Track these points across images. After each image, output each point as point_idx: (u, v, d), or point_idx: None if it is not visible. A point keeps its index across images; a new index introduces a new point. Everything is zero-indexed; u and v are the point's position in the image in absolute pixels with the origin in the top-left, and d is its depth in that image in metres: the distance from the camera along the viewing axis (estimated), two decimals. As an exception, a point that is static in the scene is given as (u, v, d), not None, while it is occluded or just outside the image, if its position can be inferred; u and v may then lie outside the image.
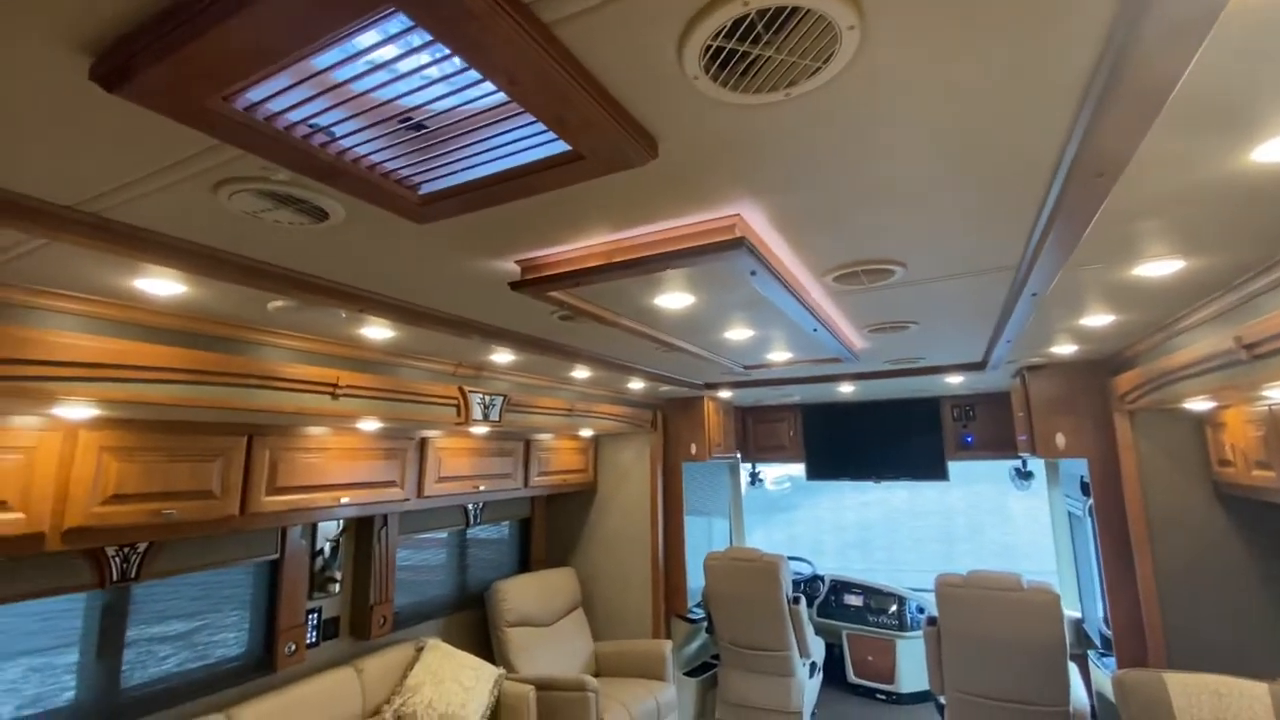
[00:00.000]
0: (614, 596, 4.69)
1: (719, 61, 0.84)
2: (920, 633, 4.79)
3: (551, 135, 1.00)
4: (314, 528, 3.20)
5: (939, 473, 5.17)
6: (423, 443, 3.40)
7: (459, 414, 3.04)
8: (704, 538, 5.36)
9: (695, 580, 4.87)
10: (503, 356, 2.88)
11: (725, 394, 4.71)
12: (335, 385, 2.40)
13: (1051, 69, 0.86)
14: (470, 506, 4.17)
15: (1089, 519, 3.81)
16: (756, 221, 1.35)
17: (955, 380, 4.05)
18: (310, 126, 0.99)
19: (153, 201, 1.21)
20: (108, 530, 2.11)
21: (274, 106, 0.93)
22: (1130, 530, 3.20)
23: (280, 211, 1.26)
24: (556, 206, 1.28)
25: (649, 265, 1.45)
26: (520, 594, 4.09)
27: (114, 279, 1.61)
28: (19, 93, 0.86)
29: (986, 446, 5.02)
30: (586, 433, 4.53)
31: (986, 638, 3.45)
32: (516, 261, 1.62)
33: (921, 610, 5.00)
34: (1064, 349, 3.15)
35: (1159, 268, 1.77)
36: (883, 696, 4.88)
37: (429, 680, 3.23)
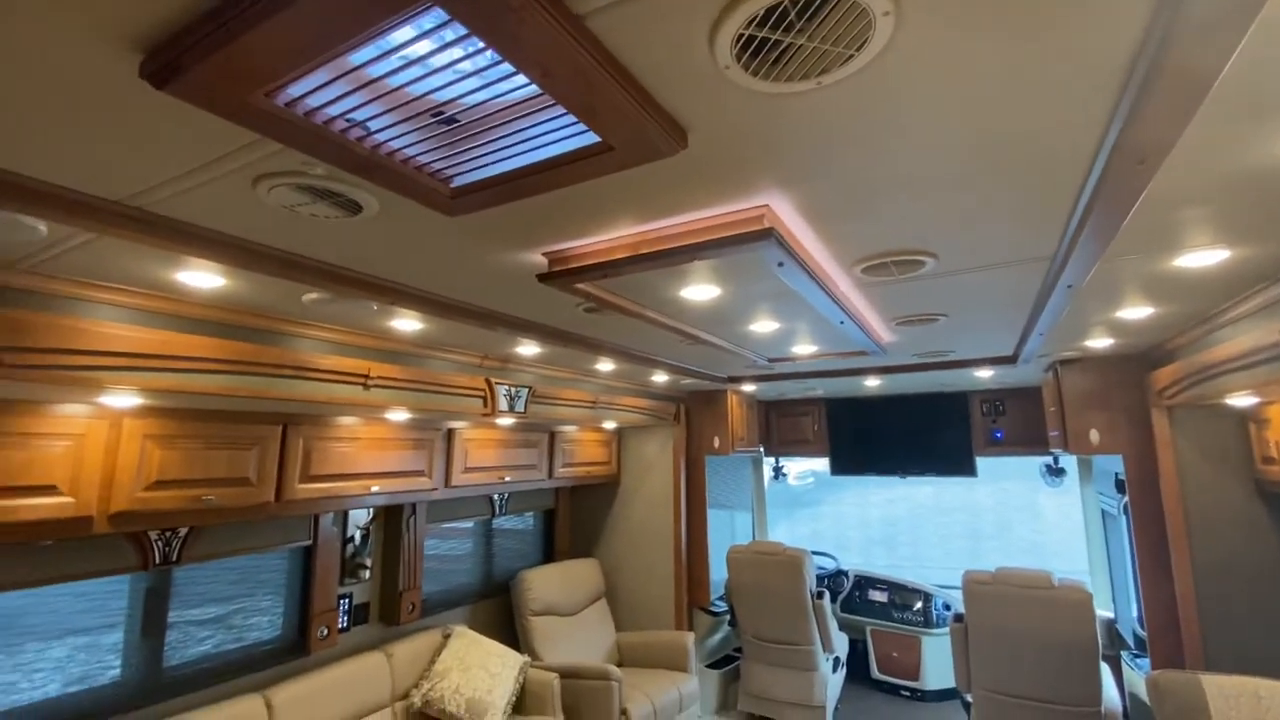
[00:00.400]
0: (637, 588, 4.72)
1: (750, 50, 0.84)
2: (946, 630, 4.74)
3: (581, 127, 1.01)
4: (345, 515, 3.28)
5: (967, 468, 5.09)
6: (450, 433, 3.45)
7: (485, 405, 3.09)
8: (726, 531, 5.36)
9: (717, 573, 4.88)
10: (528, 349, 2.91)
11: (748, 387, 4.69)
12: (366, 376, 2.45)
13: (1092, 53, 0.84)
14: (496, 497, 4.23)
15: (1123, 517, 3.72)
16: (785, 212, 1.35)
17: (985, 374, 3.97)
18: (347, 121, 1.01)
19: (195, 196, 1.25)
20: (151, 515, 2.19)
21: (313, 102, 0.96)
22: (1167, 528, 3.12)
23: (317, 205, 1.29)
24: (584, 198, 1.29)
25: (676, 257, 1.45)
26: (545, 583, 4.14)
27: (157, 272, 1.67)
28: (72, 90, 0.89)
29: (1016, 442, 4.93)
30: (610, 425, 4.56)
31: (1015, 636, 3.40)
32: (544, 254, 1.64)
33: (948, 607, 4.94)
34: (1099, 342, 3.08)
35: (1202, 258, 1.71)
36: (907, 693, 4.84)
37: (456, 666, 3.29)
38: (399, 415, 2.90)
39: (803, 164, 1.15)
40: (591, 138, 1.03)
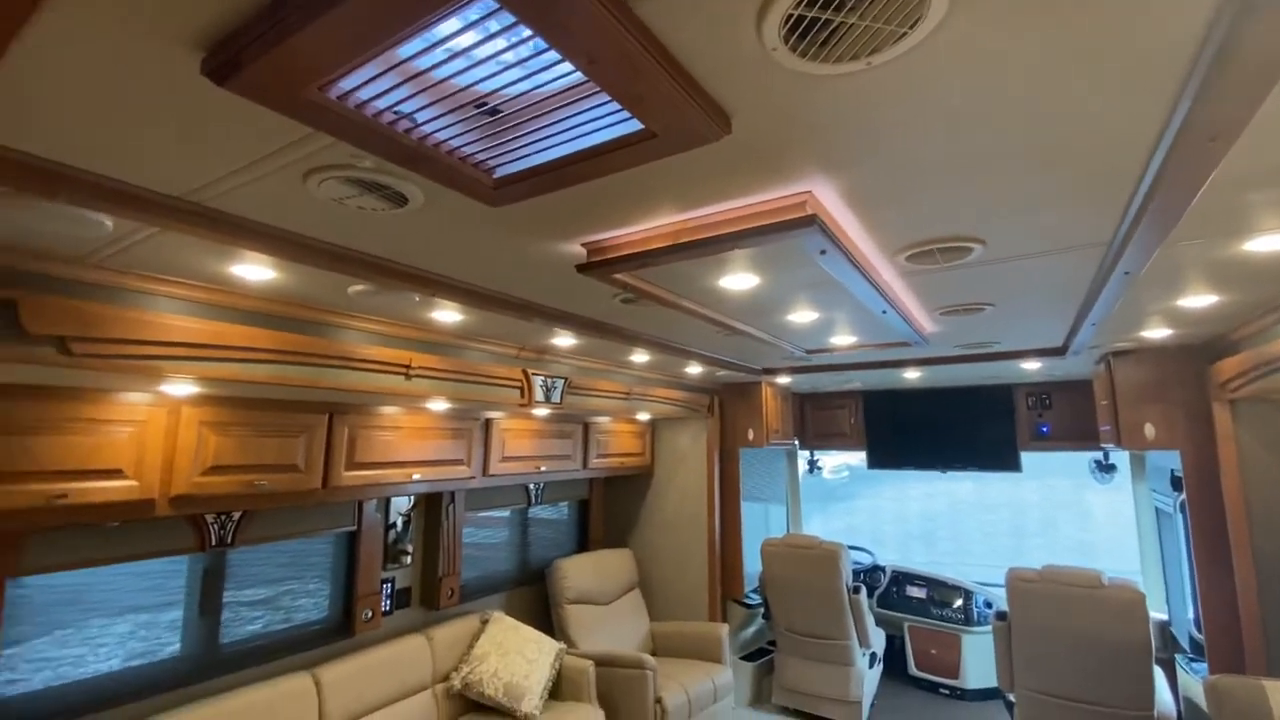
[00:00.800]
0: (671, 579, 4.74)
1: (799, 32, 0.82)
2: (988, 628, 4.63)
3: (625, 115, 1.01)
4: (387, 502, 3.37)
5: (1011, 464, 4.95)
6: (488, 423, 3.51)
7: (522, 395, 3.12)
8: (760, 524, 5.33)
9: (751, 566, 4.86)
10: (564, 340, 2.93)
11: (784, 379, 4.64)
12: (408, 366, 2.50)
13: (1162, 26, 0.80)
14: (531, 486, 4.29)
15: (1179, 515, 3.57)
16: (828, 198, 1.32)
17: (1032, 366, 3.85)
18: (395, 113, 1.03)
19: (249, 191, 1.29)
20: (207, 498, 2.29)
21: (363, 95, 0.98)
22: (1229, 526, 2.98)
23: (364, 198, 1.32)
24: (625, 187, 1.29)
25: (715, 245, 1.44)
26: (579, 572, 4.19)
27: (213, 265, 1.73)
28: (137, 89, 0.93)
29: (1064, 437, 4.76)
30: (644, 416, 4.57)
31: (1062, 635, 3.30)
32: (583, 244, 1.65)
33: (989, 605, 4.82)
34: (1156, 333, 2.95)
35: (1273, 242, 1.62)
36: (946, 691, 4.75)
37: (494, 651, 3.36)
38: (439, 405, 2.96)
39: (848, 148, 1.13)
40: (634, 125, 1.03)
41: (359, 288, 1.94)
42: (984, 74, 0.91)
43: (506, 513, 4.24)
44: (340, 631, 3.11)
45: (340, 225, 1.49)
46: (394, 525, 3.43)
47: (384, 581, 3.31)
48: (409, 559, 3.48)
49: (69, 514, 1.97)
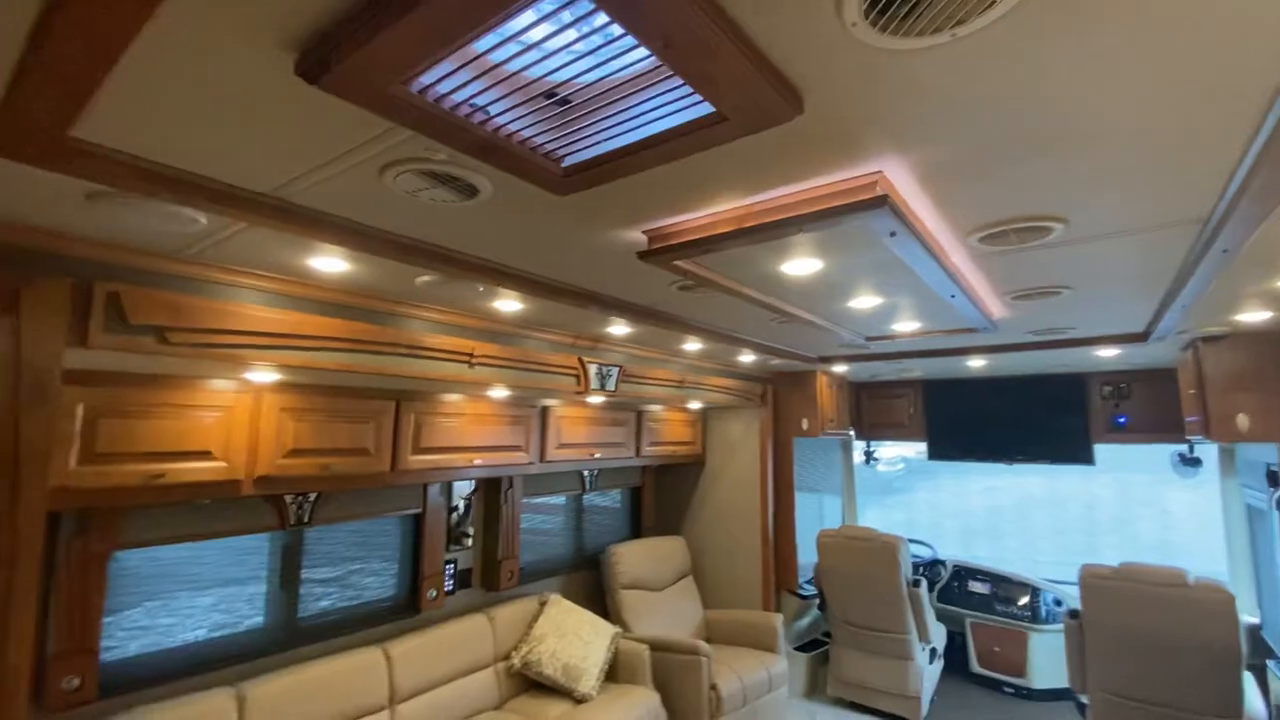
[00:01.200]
0: (723, 567, 4.74)
1: (879, 6, 0.80)
2: (1056, 626, 4.45)
3: (695, 98, 1.01)
4: (450, 486, 3.48)
5: (1083, 456, 4.71)
6: (544, 411, 3.58)
7: (578, 383, 3.17)
8: (814, 515, 5.25)
9: (805, 556, 4.80)
10: (619, 328, 2.96)
11: (840, 368, 4.54)
12: (471, 355, 2.57)
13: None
14: (586, 473, 4.35)
15: (1276, 512, 3.32)
16: (900, 178, 1.28)
17: (1108, 353, 3.64)
18: (471, 106, 1.05)
19: (329, 186, 1.35)
20: (287, 479, 2.43)
21: (441, 89, 1.01)
22: (1332, 527, 2.76)
23: (436, 190, 1.36)
24: (691, 172, 1.29)
25: (780, 229, 1.42)
26: (632, 558, 4.24)
27: (291, 258, 1.82)
28: (233, 91, 0.98)
29: (1143, 429, 4.50)
30: (695, 405, 4.56)
31: (1141, 636, 3.14)
32: (644, 231, 1.65)
33: (1059, 603, 4.63)
34: (1253, 316, 2.74)
35: (1398, 216, 1.48)
36: (1011, 690, 4.60)
37: (552, 632, 3.44)
38: (499, 392, 3.04)
39: (925, 126, 1.09)
40: (705, 109, 1.02)
41: (426, 278, 2.01)
42: (1079, 40, 0.86)
43: (562, 499, 4.33)
44: (407, 609, 3.25)
45: (411, 218, 1.54)
46: (456, 508, 3.55)
47: (447, 562, 3.44)
48: (470, 541, 3.59)
49: (166, 492, 2.13)
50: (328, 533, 3.00)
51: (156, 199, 1.32)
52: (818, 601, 4.68)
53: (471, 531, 3.61)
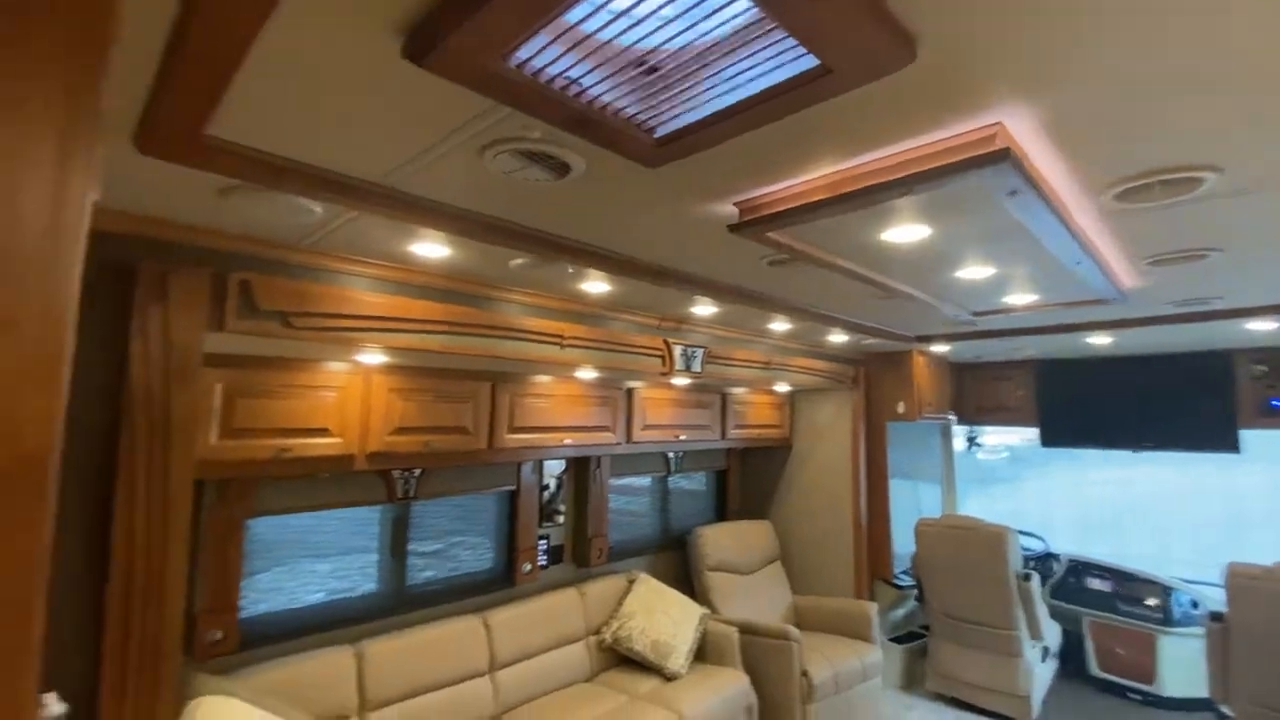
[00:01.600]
0: (811, 553, 4.63)
1: (1011, -71, 0.72)
2: (1192, 630, 4.03)
3: (798, 52, 0.95)
4: (541, 465, 3.60)
5: (1226, 443, 4.20)
6: (630, 392, 3.61)
7: (664, 364, 3.17)
8: (910, 503, 5.01)
9: (901, 546, 4.60)
10: (704, 309, 2.92)
11: (940, 348, 4.28)
12: (561, 337, 2.63)
13: None
14: (671, 455, 4.36)
15: None
16: (1022, 130, 1.17)
17: (1262, 327, 3.21)
18: (565, 79, 1.05)
19: (431, 171, 1.41)
20: (395, 455, 2.59)
21: (537, 63, 1.01)
22: None
23: (530, 169, 1.38)
24: (785, 136, 1.23)
25: (883, 193, 1.34)
26: (718, 541, 4.22)
27: (397, 245, 1.92)
28: (350, 80, 1.03)
29: (1304, 412, 3.95)
30: (782, 388, 4.45)
31: None
32: (735, 203, 1.61)
33: (1195, 605, 4.18)
34: None
35: None
36: (1137, 696, 4.22)
37: (641, 610, 3.50)
38: (587, 374, 3.09)
39: (1056, 68, 0.98)
40: (807, 62, 0.97)
41: (519, 261, 2.06)
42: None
43: (648, 480, 4.37)
44: (503, 582, 3.40)
45: (506, 200, 1.58)
46: (547, 486, 3.66)
47: (540, 538, 3.56)
48: (561, 519, 3.70)
49: (290, 465, 2.32)
50: (431, 507, 3.18)
51: (281, 191, 1.42)
52: (915, 593, 4.48)
53: (563, 509, 3.72)
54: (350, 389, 2.48)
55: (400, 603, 3.01)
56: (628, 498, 4.28)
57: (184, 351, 1.75)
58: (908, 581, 4.51)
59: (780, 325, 3.33)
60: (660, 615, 3.50)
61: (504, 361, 2.59)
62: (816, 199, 1.44)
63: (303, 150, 1.31)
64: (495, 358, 2.46)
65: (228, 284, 1.83)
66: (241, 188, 1.45)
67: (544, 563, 3.57)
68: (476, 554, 3.39)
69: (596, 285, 2.43)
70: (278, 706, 2.12)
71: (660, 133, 1.22)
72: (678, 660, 3.33)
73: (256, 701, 2.05)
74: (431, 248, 1.94)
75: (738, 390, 4.34)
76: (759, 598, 4.24)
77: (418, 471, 2.98)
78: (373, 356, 2.39)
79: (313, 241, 1.88)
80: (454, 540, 3.31)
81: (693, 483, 4.78)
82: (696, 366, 3.34)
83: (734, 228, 1.65)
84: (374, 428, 2.52)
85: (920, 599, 4.39)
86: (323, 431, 2.40)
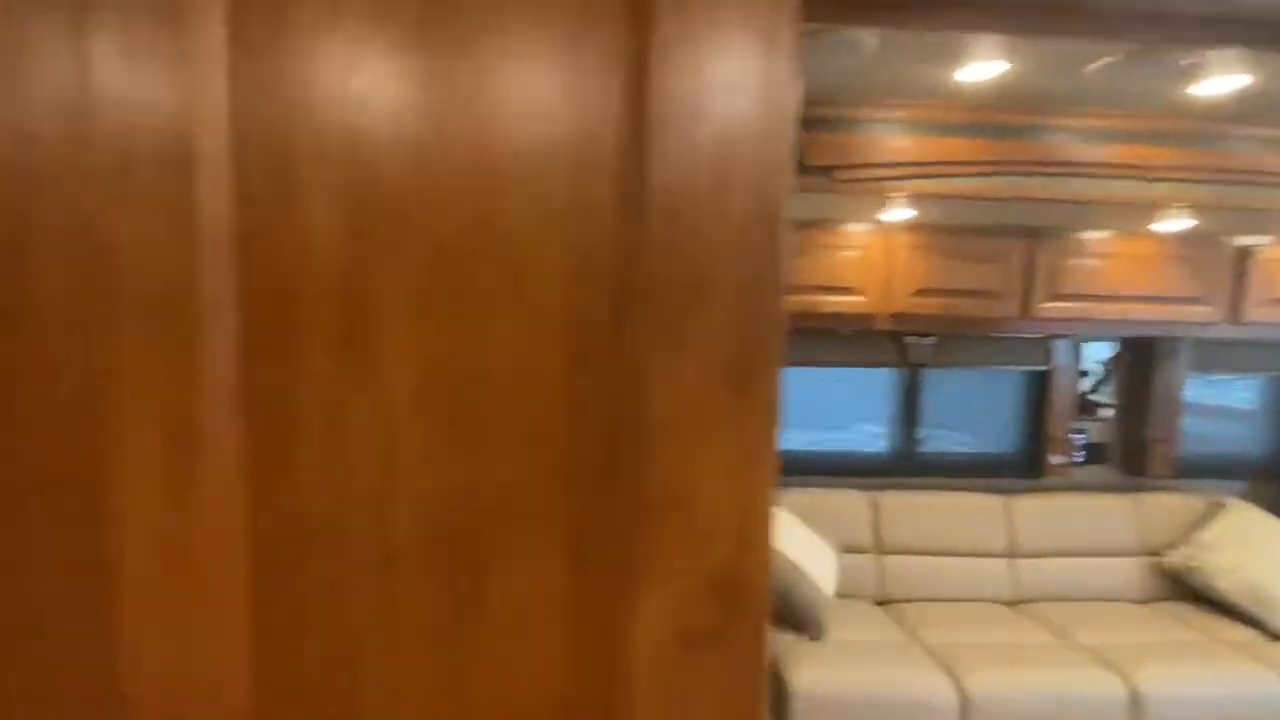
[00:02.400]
0: None
1: None
2: None
3: None
4: (1078, 347, 2.99)
5: None
6: (1244, 252, 2.56)
7: (1326, 202, 2.11)
8: None
9: None
10: None
11: None
12: (1147, 168, 2.02)
13: None
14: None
15: None
16: None
17: None
18: None
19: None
20: (915, 318, 2.54)
21: None
22: None
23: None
24: None
25: None
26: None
27: (938, 75, 1.75)
28: None
29: None
30: None
31: None
32: None
33: None
34: None
35: None
36: None
37: (1234, 543, 2.64)
38: (1173, 224, 2.32)
39: None
40: None
41: (1104, 61, 1.61)
42: None
43: (1256, 379, 3.14)
44: (1026, 471, 3.05)
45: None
46: (1085, 374, 3.05)
47: (1074, 431, 3.03)
48: (1105, 413, 3.05)
49: (821, 319, 2.54)
50: (945, 376, 3.06)
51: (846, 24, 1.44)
52: None
53: (1108, 402, 3.05)
54: (873, 249, 2.50)
55: (911, 467, 3.06)
56: (1227, 395, 3.21)
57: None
58: None
59: None
60: (1261, 555, 2.58)
61: (1055, 210, 2.17)
62: None
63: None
64: (1046, 201, 2.08)
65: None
66: (808, 31, 1.53)
67: (1079, 459, 3.04)
68: (994, 436, 3.14)
69: (1218, 82, 1.73)
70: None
71: None
72: (1296, 619, 2.42)
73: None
74: (981, 69, 1.69)
75: None
76: None
77: (930, 340, 2.88)
78: (898, 213, 2.34)
79: (848, 94, 1.90)
80: (970, 416, 3.14)
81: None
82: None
83: None
84: (895, 288, 2.50)
85: None
86: (848, 290, 2.52)
